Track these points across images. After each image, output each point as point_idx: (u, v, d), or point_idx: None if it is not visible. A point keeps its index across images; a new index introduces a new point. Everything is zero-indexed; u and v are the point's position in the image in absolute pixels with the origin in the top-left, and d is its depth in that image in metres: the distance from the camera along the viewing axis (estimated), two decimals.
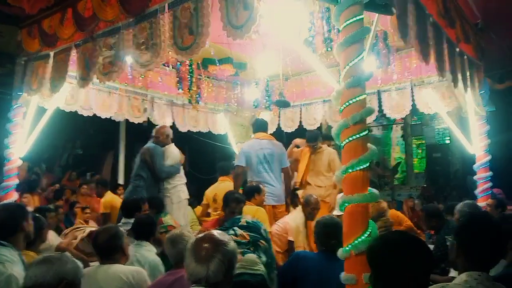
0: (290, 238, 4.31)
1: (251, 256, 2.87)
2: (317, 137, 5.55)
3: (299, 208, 4.59)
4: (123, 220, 4.30)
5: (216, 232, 1.94)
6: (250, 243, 3.02)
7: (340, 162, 5.02)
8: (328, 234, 2.89)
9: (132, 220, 3.85)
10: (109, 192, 6.14)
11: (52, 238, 3.89)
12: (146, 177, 5.02)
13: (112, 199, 5.86)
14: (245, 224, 3.16)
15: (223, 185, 5.29)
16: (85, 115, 5.49)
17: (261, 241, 3.07)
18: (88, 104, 5.38)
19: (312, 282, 2.79)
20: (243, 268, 2.69)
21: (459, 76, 3.76)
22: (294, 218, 4.48)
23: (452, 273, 3.32)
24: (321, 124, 7.02)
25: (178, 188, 5.19)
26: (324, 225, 2.98)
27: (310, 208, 4.41)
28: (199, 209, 5.90)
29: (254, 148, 5.04)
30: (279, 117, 6.96)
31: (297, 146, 6.04)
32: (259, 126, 5.37)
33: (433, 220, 4.35)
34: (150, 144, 5.21)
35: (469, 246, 1.88)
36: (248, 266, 2.75)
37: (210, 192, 5.44)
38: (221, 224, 3.58)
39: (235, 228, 3.11)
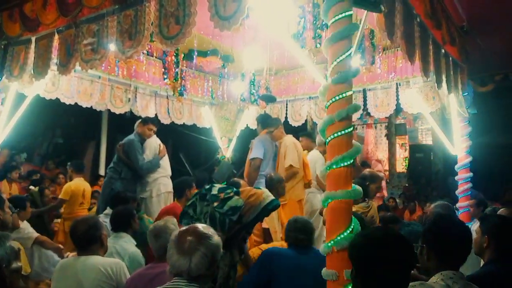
0: (265, 226, 4.38)
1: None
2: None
3: None
4: (106, 210, 4.33)
5: (200, 226, 1.91)
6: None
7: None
8: (299, 229, 3.09)
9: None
10: (80, 178, 5.76)
11: (26, 226, 3.81)
12: (121, 170, 5.00)
13: (76, 185, 5.57)
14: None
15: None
16: (66, 103, 5.37)
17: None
18: (69, 92, 5.27)
19: (287, 277, 2.88)
20: None
21: (443, 78, 3.79)
22: None
23: None
24: (306, 120, 7.04)
25: (158, 181, 5.14)
26: (295, 221, 3.18)
27: (276, 187, 4.40)
28: None
29: (268, 142, 5.21)
30: (264, 111, 6.93)
31: None
32: (272, 121, 5.44)
33: (389, 226, 4.48)
34: (128, 137, 5.17)
35: (440, 247, 1.92)
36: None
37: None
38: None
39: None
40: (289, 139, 5.25)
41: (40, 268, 3.82)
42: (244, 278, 3.21)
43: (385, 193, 5.44)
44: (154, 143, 5.28)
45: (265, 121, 5.43)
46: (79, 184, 5.62)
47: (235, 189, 3.26)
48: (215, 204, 3.06)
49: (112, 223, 3.46)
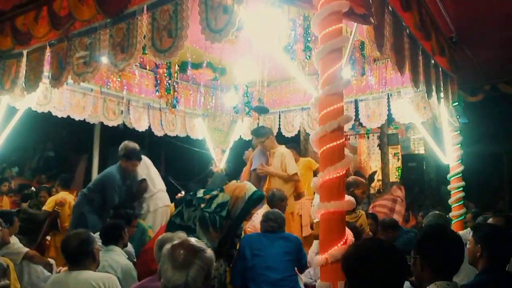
0: None
1: None
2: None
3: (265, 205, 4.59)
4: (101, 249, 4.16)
5: (192, 239, 1.89)
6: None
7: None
8: (270, 218, 3.62)
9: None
10: (66, 192, 5.55)
11: (15, 242, 3.76)
12: (93, 198, 4.70)
13: (60, 198, 5.35)
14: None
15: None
16: (58, 116, 5.33)
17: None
18: (61, 105, 5.24)
19: (260, 254, 3.47)
20: None
21: (434, 88, 3.84)
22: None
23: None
24: (299, 131, 7.06)
25: (155, 196, 5.09)
26: (267, 212, 3.78)
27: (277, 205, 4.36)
28: None
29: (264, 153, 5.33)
30: (258, 123, 6.96)
31: None
32: (263, 132, 5.45)
33: (389, 232, 4.59)
34: (111, 171, 4.85)
35: (434, 258, 1.93)
36: None
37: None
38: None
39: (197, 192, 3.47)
40: (283, 149, 5.24)
41: (30, 285, 3.75)
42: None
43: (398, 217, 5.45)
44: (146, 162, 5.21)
45: (257, 132, 5.43)
46: (63, 196, 5.43)
47: (218, 188, 3.37)
48: (203, 205, 3.16)
49: (102, 237, 3.41)
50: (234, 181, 3.74)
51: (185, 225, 3.16)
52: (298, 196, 5.18)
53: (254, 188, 3.42)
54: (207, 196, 3.26)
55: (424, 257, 1.96)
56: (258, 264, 3.44)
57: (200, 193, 3.33)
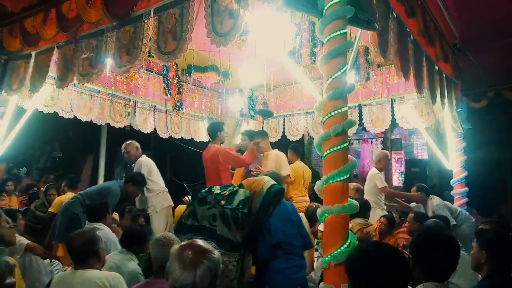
0: None
1: None
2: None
3: None
4: (87, 224, 4.05)
5: (200, 241, 1.91)
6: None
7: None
8: None
9: (97, 225, 3.81)
10: (73, 193, 5.34)
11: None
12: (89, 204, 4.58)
13: (67, 198, 5.14)
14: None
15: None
16: (65, 117, 5.39)
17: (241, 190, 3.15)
18: (68, 106, 5.29)
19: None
20: None
21: (437, 94, 3.86)
22: None
23: None
24: (303, 135, 7.09)
25: (160, 196, 5.13)
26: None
27: None
28: None
29: None
30: (262, 126, 7.00)
31: None
32: (258, 134, 5.42)
33: (415, 224, 4.41)
34: (115, 187, 4.82)
35: (424, 259, 1.95)
36: None
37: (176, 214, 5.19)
38: None
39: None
40: (277, 151, 5.21)
41: (30, 279, 3.78)
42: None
43: None
44: (143, 164, 5.18)
45: (251, 134, 5.44)
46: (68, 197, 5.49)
47: (234, 184, 3.21)
48: (223, 202, 2.97)
49: (123, 239, 3.43)
50: (250, 178, 3.54)
51: (198, 225, 2.97)
52: (289, 200, 5.17)
53: (272, 182, 3.15)
54: (226, 192, 3.05)
55: (415, 258, 1.99)
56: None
57: (216, 190, 3.11)
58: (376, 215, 5.00)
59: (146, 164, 5.20)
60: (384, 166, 5.62)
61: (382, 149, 12.46)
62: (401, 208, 5.69)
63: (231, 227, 2.90)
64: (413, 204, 5.43)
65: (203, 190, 3.19)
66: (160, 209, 5.01)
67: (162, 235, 2.74)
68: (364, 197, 5.51)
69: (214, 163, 4.82)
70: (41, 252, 3.86)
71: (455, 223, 4.76)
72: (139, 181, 4.91)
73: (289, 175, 4.97)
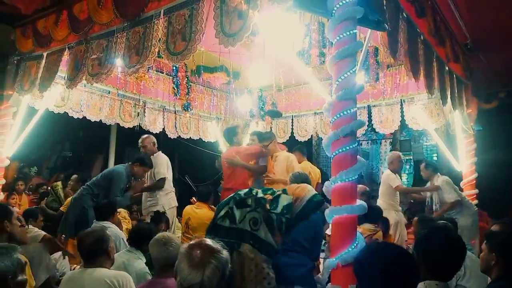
0: None
1: None
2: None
3: None
4: (94, 223, 4.07)
5: (209, 240, 1.92)
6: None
7: None
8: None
9: (105, 223, 3.84)
10: None
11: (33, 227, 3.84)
12: (98, 193, 4.70)
13: None
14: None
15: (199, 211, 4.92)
16: (74, 117, 5.45)
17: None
18: (78, 107, 5.35)
19: None
20: None
21: (448, 94, 3.83)
22: None
23: None
24: (312, 136, 7.08)
25: (169, 196, 5.18)
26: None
27: None
28: None
29: None
30: (271, 127, 7.00)
31: None
32: (267, 136, 5.37)
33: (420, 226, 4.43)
34: (119, 169, 4.87)
35: (427, 257, 1.95)
36: None
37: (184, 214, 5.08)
38: None
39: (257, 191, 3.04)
40: (287, 153, 5.20)
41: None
42: None
43: None
44: (163, 158, 5.27)
45: (261, 135, 5.44)
46: None
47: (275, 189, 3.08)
48: (268, 205, 2.83)
49: (131, 238, 3.46)
50: (293, 184, 3.39)
51: (235, 227, 2.78)
52: None
53: (314, 192, 3.04)
54: (269, 196, 2.90)
55: (419, 256, 2.00)
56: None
57: (259, 193, 2.94)
58: (391, 217, 4.97)
59: (167, 160, 5.25)
60: (397, 167, 5.64)
61: (390, 150, 12.44)
62: (419, 199, 6.09)
63: (275, 233, 2.77)
64: (428, 194, 5.62)
65: (241, 192, 3.01)
66: (167, 208, 5.04)
67: (162, 235, 2.74)
68: (379, 199, 5.55)
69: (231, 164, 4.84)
70: (55, 247, 3.89)
71: (459, 199, 4.93)
72: (147, 163, 4.94)
73: None
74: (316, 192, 3.07)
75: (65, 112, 5.25)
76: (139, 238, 3.38)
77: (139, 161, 4.89)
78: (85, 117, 5.47)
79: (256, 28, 2.70)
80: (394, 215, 5.25)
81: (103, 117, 5.63)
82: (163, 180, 5.13)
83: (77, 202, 4.64)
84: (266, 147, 5.15)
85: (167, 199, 5.11)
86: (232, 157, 4.76)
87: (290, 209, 2.86)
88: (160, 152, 5.37)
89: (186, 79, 5.77)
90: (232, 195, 3.01)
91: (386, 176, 5.55)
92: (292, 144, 6.36)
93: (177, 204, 5.27)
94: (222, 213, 2.93)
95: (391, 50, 2.79)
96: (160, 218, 4.38)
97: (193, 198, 5.71)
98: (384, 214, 4.79)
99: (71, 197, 5.39)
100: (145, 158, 4.96)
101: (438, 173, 5.32)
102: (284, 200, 2.89)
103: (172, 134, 6.59)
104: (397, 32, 2.87)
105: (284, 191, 3.01)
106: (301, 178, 3.57)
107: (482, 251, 2.50)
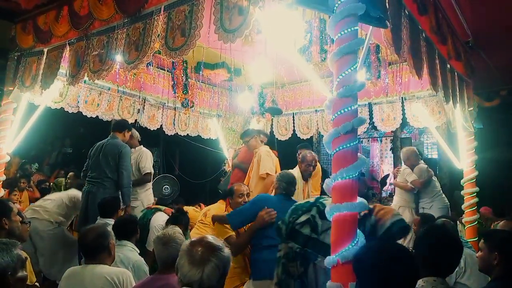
0: None
1: None
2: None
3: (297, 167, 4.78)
4: (98, 219, 4.05)
5: (211, 237, 1.91)
6: None
7: None
8: (291, 183, 3.69)
9: (108, 220, 3.84)
10: None
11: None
12: (114, 178, 4.58)
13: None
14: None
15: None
16: (69, 112, 5.42)
17: None
18: (75, 102, 5.33)
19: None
20: None
21: (451, 92, 3.81)
22: None
23: None
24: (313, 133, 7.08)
25: (149, 192, 5.11)
26: (287, 174, 3.80)
27: (305, 165, 4.63)
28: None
29: None
30: (271, 124, 6.99)
31: None
32: (247, 132, 5.45)
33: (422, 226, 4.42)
34: (122, 143, 4.72)
35: (425, 255, 1.96)
36: None
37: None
38: None
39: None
40: (264, 148, 5.09)
41: None
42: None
43: None
44: (148, 154, 5.18)
45: (242, 134, 5.44)
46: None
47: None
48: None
49: (116, 231, 3.40)
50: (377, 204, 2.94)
51: (316, 238, 2.54)
52: None
53: (399, 217, 2.49)
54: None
55: (417, 253, 2.01)
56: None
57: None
58: (406, 217, 4.91)
59: (151, 155, 5.19)
60: (414, 162, 5.66)
61: (391, 148, 12.43)
62: None
63: None
64: None
65: (324, 200, 2.73)
66: (146, 204, 4.97)
67: (164, 233, 2.75)
68: (395, 196, 5.58)
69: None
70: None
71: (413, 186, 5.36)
72: (129, 126, 5.03)
73: (266, 173, 4.79)
74: (402, 218, 2.50)
75: (63, 108, 5.23)
76: (124, 230, 3.40)
77: (124, 128, 4.91)
78: (81, 112, 5.42)
79: (257, 24, 2.69)
80: (408, 214, 5.26)
81: (99, 113, 5.60)
82: (149, 174, 5.06)
83: (91, 192, 4.53)
84: (246, 142, 5.15)
85: (146, 195, 5.04)
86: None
87: (375, 230, 2.49)
88: (142, 146, 5.28)
89: (185, 76, 5.74)
90: (312, 201, 2.78)
91: (402, 172, 5.62)
92: (294, 142, 6.36)
93: (153, 200, 5.22)
94: (302, 218, 2.69)
95: (395, 46, 2.76)
96: (179, 220, 3.99)
97: (201, 204, 5.72)
98: (400, 212, 4.73)
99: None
100: (127, 123, 5.06)
101: (421, 160, 5.58)
102: (371, 220, 2.51)
103: (169, 131, 6.58)
104: (400, 29, 2.85)
105: (370, 211, 2.59)
106: (288, 178, 3.73)
107: (480, 250, 2.50)
